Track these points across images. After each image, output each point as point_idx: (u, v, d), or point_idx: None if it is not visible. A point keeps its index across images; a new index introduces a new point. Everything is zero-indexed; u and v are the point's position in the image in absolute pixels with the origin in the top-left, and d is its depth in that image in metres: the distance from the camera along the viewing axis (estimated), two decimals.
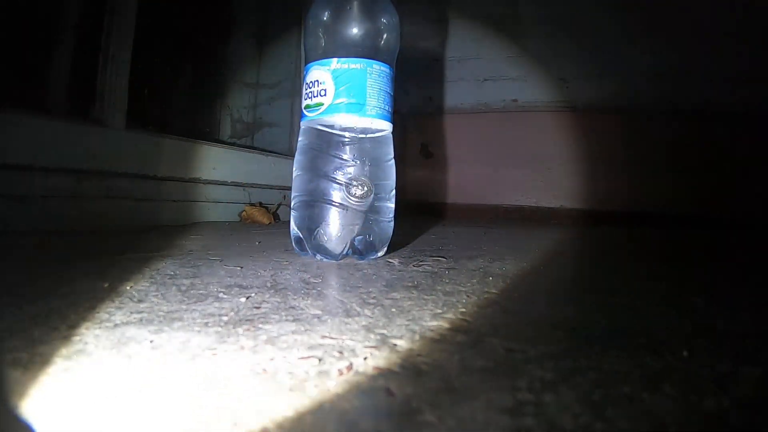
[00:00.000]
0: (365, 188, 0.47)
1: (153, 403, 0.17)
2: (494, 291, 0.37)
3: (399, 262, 0.49)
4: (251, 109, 1.29)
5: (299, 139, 0.51)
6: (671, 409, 0.18)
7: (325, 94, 0.47)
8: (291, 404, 0.17)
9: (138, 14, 0.78)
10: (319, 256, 0.48)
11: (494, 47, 1.38)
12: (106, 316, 0.27)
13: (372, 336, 0.25)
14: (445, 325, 0.27)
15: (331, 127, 0.47)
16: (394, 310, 0.30)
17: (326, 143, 0.48)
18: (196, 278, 0.37)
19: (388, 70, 0.49)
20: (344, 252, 0.48)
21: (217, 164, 0.94)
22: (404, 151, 1.47)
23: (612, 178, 1.28)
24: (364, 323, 0.27)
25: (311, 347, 0.23)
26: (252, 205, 0.99)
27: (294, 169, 0.51)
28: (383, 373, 0.20)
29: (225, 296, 0.32)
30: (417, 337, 0.25)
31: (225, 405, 0.17)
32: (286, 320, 0.27)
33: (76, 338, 0.23)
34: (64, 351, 0.21)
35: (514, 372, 0.21)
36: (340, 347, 0.23)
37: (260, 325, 0.26)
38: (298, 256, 0.51)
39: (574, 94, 1.32)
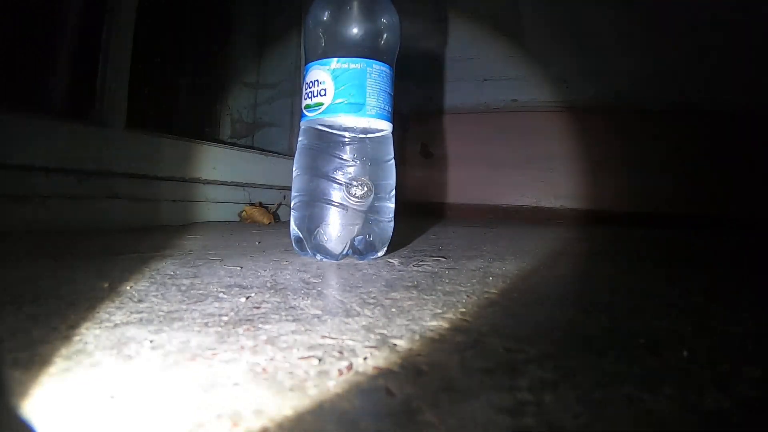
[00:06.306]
0: (365, 188, 0.47)
1: (153, 403, 0.17)
2: (494, 291, 0.37)
3: (399, 262, 0.49)
4: (251, 109, 1.29)
5: (299, 139, 0.51)
6: (671, 409, 0.18)
7: (325, 94, 0.47)
8: (291, 404, 0.17)
9: (138, 14, 0.78)
10: (319, 256, 0.48)
11: (494, 47, 1.38)
12: (106, 316, 0.27)
13: (372, 336, 0.25)
14: (445, 325, 0.27)
15: (331, 127, 0.47)
16: (394, 310, 0.30)
17: (326, 143, 0.48)
18: (196, 278, 0.37)
19: (388, 70, 0.49)
20: (344, 252, 0.48)
21: (217, 164, 0.94)
22: (404, 151, 1.47)
23: (612, 177, 1.28)
24: (364, 323, 0.27)
25: (311, 347, 0.23)
26: (252, 205, 0.99)
27: (294, 169, 0.51)
28: (383, 373, 0.20)
29: (225, 296, 0.32)
30: (417, 337, 0.25)
31: (225, 405, 0.17)
32: (286, 320, 0.27)
33: (76, 338, 0.23)
34: (64, 351, 0.21)
35: (514, 372, 0.20)
36: (340, 347, 0.23)
37: (260, 325, 0.26)
38: (298, 256, 0.51)
39: (574, 94, 1.32)
